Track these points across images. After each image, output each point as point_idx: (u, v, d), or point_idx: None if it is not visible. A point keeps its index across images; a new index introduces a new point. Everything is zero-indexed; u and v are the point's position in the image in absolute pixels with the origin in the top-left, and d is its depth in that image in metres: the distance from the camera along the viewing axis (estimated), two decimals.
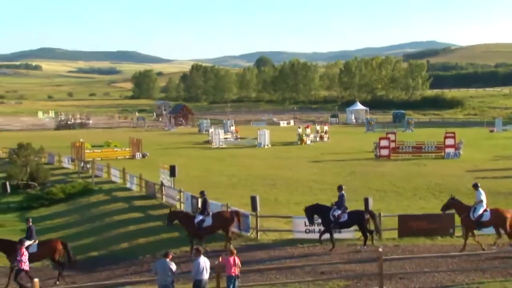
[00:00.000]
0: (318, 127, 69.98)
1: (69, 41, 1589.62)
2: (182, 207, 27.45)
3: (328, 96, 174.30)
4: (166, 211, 27.35)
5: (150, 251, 21.66)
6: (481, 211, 19.44)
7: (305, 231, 21.65)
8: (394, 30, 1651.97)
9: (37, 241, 19.79)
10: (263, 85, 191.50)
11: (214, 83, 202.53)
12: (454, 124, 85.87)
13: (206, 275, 14.77)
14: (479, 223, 19.41)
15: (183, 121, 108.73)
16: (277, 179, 35.91)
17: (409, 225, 21.47)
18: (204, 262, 14.84)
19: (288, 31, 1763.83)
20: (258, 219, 22.27)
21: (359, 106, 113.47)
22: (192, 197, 26.42)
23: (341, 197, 20.67)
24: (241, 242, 21.72)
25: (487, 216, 19.35)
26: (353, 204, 23.04)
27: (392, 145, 47.15)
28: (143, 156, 50.07)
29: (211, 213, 20.84)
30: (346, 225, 20.61)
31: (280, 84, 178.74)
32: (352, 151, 51.59)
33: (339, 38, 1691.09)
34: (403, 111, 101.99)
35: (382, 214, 21.61)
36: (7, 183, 33.91)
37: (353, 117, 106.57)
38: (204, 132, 78.06)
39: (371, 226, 20.58)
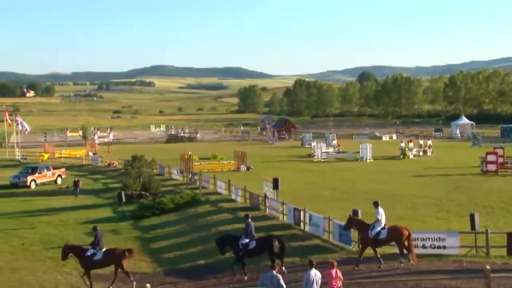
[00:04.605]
0: (421, 141, 68.23)
1: (180, 58, 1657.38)
2: (285, 219, 28.08)
3: (431, 110, 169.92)
4: (270, 222, 28.18)
5: (253, 261, 22.22)
6: (378, 229, 19.82)
7: None
8: (500, 43, 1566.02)
9: None
10: (366, 99, 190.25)
11: (317, 97, 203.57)
12: None
13: (315, 287, 14.77)
14: (376, 241, 19.85)
15: (286, 134, 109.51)
16: (379, 193, 35.55)
17: None
18: (315, 274, 14.75)
19: (391, 46, 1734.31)
20: None
21: (464, 120, 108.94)
22: (295, 209, 27.00)
23: (247, 225, 20.94)
24: (343, 255, 21.82)
25: (384, 234, 19.79)
26: (459, 220, 22.59)
27: (500, 160, 45.17)
28: (248, 168, 51.34)
29: (103, 249, 21.05)
30: (255, 252, 20.82)
31: (383, 99, 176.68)
32: (456, 166, 49.96)
33: (443, 52, 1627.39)
34: None
35: (489, 231, 20.96)
36: (122, 193, 35.93)
37: (458, 132, 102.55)
38: (306, 146, 78.49)
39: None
